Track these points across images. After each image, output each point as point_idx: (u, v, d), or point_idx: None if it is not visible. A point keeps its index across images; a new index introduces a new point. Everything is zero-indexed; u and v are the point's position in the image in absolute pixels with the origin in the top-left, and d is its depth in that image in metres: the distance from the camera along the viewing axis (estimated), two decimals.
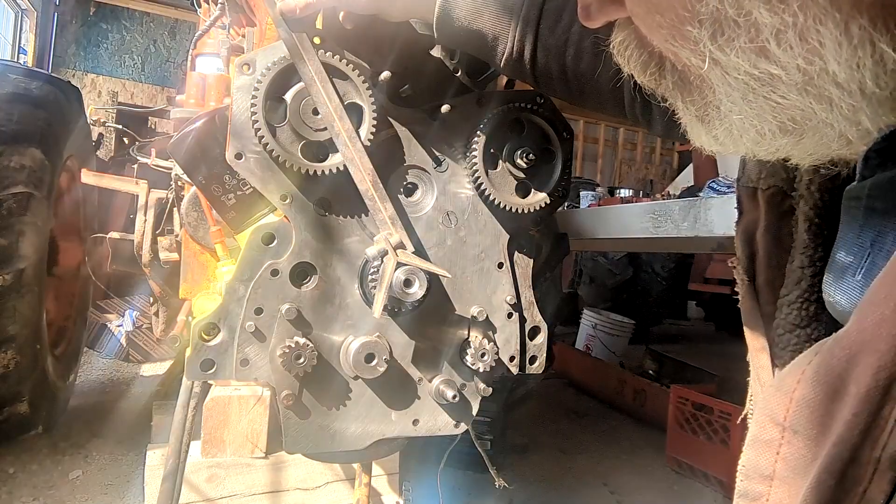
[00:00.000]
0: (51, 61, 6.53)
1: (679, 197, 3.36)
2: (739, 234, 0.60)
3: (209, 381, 1.50)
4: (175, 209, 1.86)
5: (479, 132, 0.96)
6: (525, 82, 0.90)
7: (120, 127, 3.82)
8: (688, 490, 2.88)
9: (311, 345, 0.88)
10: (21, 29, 5.66)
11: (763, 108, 0.39)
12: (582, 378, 4.35)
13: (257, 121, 0.84)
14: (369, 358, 0.90)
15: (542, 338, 1.06)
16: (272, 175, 0.88)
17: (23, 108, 2.49)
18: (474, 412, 1.01)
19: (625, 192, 4.57)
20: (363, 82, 0.88)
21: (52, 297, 3.00)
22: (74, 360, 3.19)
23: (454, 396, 0.93)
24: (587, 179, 7.15)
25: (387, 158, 0.94)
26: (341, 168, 0.87)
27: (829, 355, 0.36)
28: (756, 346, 0.56)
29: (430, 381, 0.97)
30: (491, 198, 0.97)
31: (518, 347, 1.03)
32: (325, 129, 0.87)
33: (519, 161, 0.97)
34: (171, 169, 1.81)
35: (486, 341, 0.97)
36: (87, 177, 2.40)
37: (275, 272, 0.89)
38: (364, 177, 0.87)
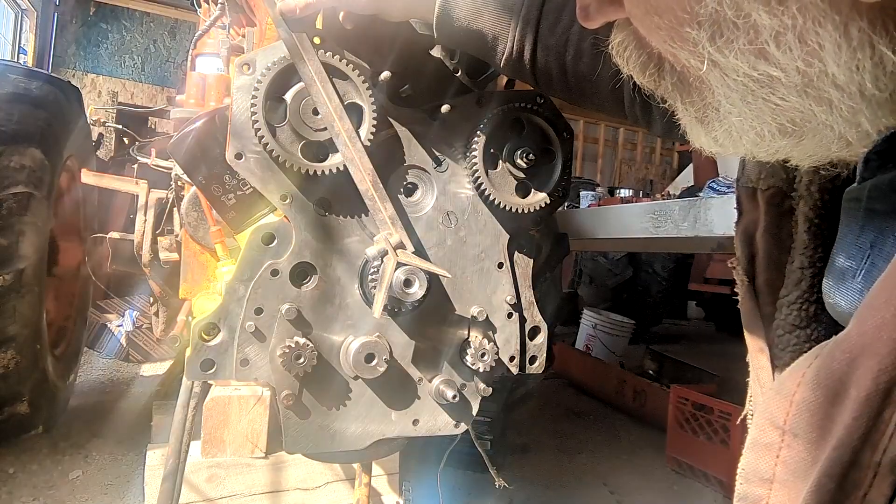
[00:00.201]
0: (51, 61, 6.52)
1: (679, 197, 3.36)
2: (739, 234, 0.60)
3: (209, 381, 1.50)
4: (175, 209, 1.86)
5: (479, 132, 0.96)
6: (525, 82, 0.90)
7: (120, 127, 3.81)
8: (688, 490, 2.88)
9: (311, 345, 0.88)
10: (21, 29, 5.65)
11: (762, 110, 0.39)
12: (582, 378, 4.35)
13: (257, 121, 0.84)
14: (369, 358, 0.90)
15: (542, 338, 1.06)
16: (272, 175, 0.88)
17: (23, 108, 2.49)
18: (474, 412, 1.01)
19: (625, 192, 4.56)
20: (363, 82, 0.88)
21: (52, 297, 3.00)
22: (74, 360, 3.19)
23: (454, 396, 0.93)
24: (587, 179, 7.15)
25: (387, 158, 0.94)
26: (341, 168, 0.87)
27: (829, 358, 0.36)
28: (755, 347, 0.56)
29: (430, 381, 0.97)
30: (491, 198, 0.97)
31: (518, 347, 1.03)
32: (325, 129, 0.87)
33: (519, 161, 0.97)
34: (171, 169, 1.81)
35: (486, 341, 0.97)
36: (87, 177, 2.40)
37: (275, 272, 0.89)
38: (364, 177, 0.87)
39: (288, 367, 0.87)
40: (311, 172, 0.87)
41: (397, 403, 0.96)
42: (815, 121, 0.38)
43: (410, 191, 0.97)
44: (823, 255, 0.52)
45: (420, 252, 0.94)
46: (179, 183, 1.66)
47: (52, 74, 3.21)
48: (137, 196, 2.03)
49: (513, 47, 0.82)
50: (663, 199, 3.09)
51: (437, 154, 0.98)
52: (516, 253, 1.04)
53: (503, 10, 0.82)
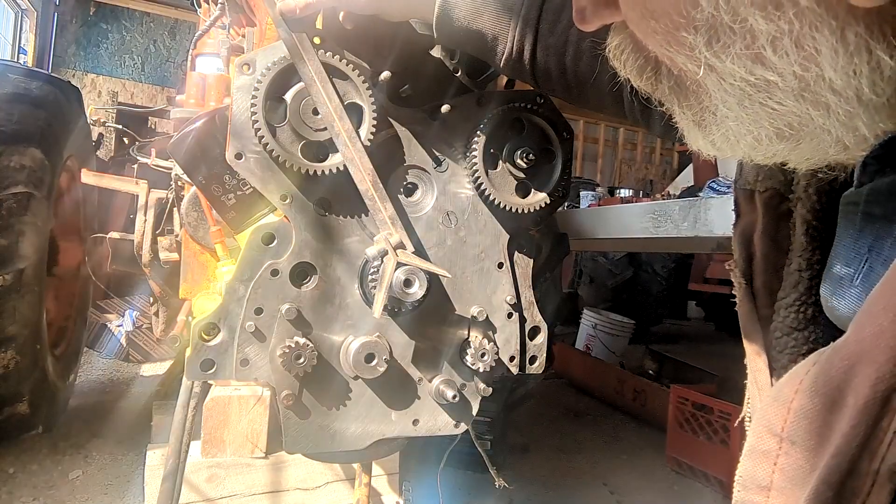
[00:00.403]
0: (51, 61, 6.52)
1: (679, 197, 3.36)
2: (737, 236, 0.60)
3: (209, 381, 1.50)
4: (175, 209, 1.86)
5: (479, 132, 0.96)
6: (525, 82, 0.90)
7: (120, 127, 3.82)
8: (688, 490, 2.88)
9: (311, 345, 0.88)
10: (21, 29, 5.66)
11: (759, 114, 0.39)
12: (582, 378, 4.35)
13: (257, 121, 0.84)
14: (369, 358, 0.90)
15: (542, 338, 1.06)
16: (272, 175, 0.88)
17: (23, 108, 2.49)
18: (474, 412, 1.01)
19: (625, 192, 4.57)
20: (363, 82, 0.88)
21: (52, 297, 3.00)
22: (74, 360, 3.19)
23: (454, 396, 0.93)
24: (587, 179, 7.15)
25: (387, 158, 0.94)
26: (341, 168, 0.87)
27: (827, 365, 0.36)
28: (753, 349, 0.56)
29: (430, 381, 0.97)
30: (491, 198, 0.97)
31: (518, 347, 1.03)
32: (325, 129, 0.87)
33: (519, 161, 0.97)
34: (171, 169, 1.81)
35: (486, 341, 0.97)
36: (87, 177, 2.40)
37: (275, 272, 0.89)
38: (364, 177, 0.87)
39: (288, 367, 0.87)
40: (311, 172, 0.87)
41: (397, 403, 0.96)
42: (813, 125, 0.38)
43: (410, 191, 0.97)
44: (821, 257, 0.52)
45: (420, 252, 0.94)
46: (179, 183, 1.66)
47: (52, 74, 3.21)
48: (137, 196, 2.03)
49: (512, 47, 0.82)
50: (663, 199, 3.09)
51: (437, 154, 0.98)
52: (516, 253, 1.04)
53: (503, 9, 0.82)
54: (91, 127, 3.43)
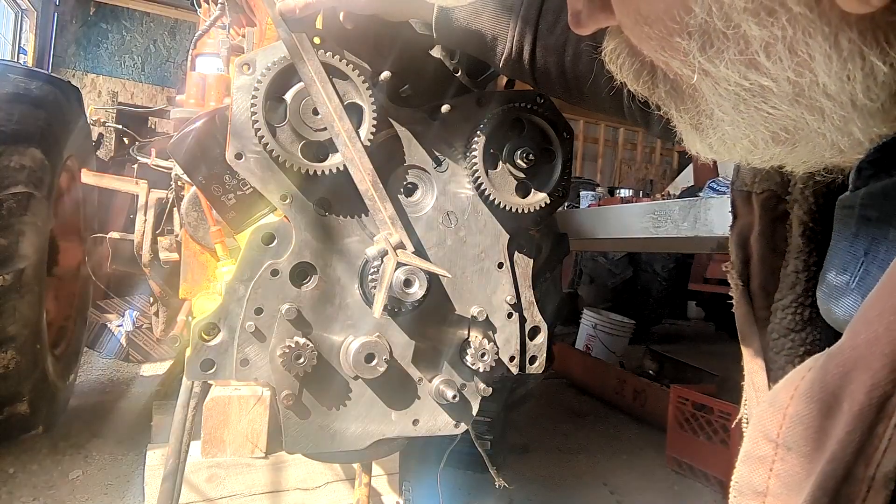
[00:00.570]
0: (51, 61, 6.54)
1: (679, 197, 3.36)
2: (734, 237, 0.60)
3: (209, 381, 1.50)
4: (175, 209, 1.86)
5: (479, 132, 0.96)
6: (524, 82, 0.90)
7: (120, 127, 3.81)
8: (688, 490, 2.88)
9: (311, 345, 0.88)
10: (21, 29, 5.66)
11: (755, 118, 0.40)
12: (582, 378, 4.35)
13: (257, 121, 0.84)
14: (369, 358, 0.90)
15: (542, 338, 1.06)
16: (272, 175, 0.88)
17: (23, 108, 2.49)
18: (474, 412, 1.01)
19: (625, 192, 4.57)
20: (363, 82, 0.88)
21: (52, 297, 3.00)
22: (74, 360, 3.19)
23: (454, 396, 0.93)
24: (587, 179, 7.15)
25: (387, 158, 0.94)
26: (341, 168, 0.87)
27: (822, 371, 0.36)
28: (750, 351, 0.56)
29: (430, 381, 0.97)
30: (491, 198, 0.97)
31: (518, 347, 1.03)
32: (325, 129, 0.87)
33: (519, 161, 0.97)
34: (171, 169, 1.81)
35: (486, 341, 0.97)
36: (87, 177, 2.40)
37: (275, 272, 0.89)
38: (364, 177, 0.87)
39: (288, 367, 0.87)
40: (311, 172, 0.87)
41: (397, 403, 0.96)
42: (808, 129, 0.38)
43: (410, 191, 0.97)
44: (818, 259, 0.52)
45: (420, 252, 0.94)
46: (179, 183, 1.66)
47: (52, 74, 3.21)
48: (137, 196, 2.03)
49: (512, 47, 0.82)
50: (663, 199, 3.10)
51: (437, 154, 0.98)
52: (516, 253, 1.04)
53: (502, 10, 0.82)
54: (91, 127, 3.43)
